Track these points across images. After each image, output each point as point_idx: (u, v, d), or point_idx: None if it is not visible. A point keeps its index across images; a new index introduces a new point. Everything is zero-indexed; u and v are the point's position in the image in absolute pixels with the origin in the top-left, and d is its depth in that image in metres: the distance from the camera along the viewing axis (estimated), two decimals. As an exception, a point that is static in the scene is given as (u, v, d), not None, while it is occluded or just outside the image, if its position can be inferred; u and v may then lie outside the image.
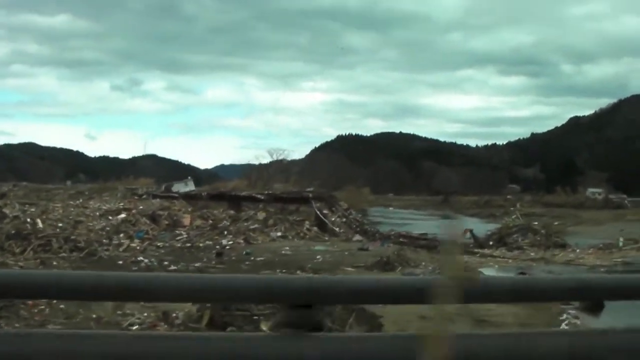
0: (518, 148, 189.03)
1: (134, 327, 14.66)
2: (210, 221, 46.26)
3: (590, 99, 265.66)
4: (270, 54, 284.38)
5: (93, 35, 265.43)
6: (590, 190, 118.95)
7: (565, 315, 18.53)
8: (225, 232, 41.77)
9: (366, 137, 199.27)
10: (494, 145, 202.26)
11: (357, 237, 44.32)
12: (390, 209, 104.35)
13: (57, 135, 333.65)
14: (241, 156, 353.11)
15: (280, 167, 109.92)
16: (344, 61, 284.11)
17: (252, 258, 31.39)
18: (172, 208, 48.84)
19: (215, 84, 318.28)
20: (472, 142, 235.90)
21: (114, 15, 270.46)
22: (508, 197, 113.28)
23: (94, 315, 15.11)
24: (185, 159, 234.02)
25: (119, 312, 15.68)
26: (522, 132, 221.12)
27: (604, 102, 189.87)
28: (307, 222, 47.32)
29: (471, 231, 46.90)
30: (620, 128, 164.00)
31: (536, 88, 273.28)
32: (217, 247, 35.86)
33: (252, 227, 44.35)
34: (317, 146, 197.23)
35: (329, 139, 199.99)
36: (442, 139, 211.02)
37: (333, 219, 48.80)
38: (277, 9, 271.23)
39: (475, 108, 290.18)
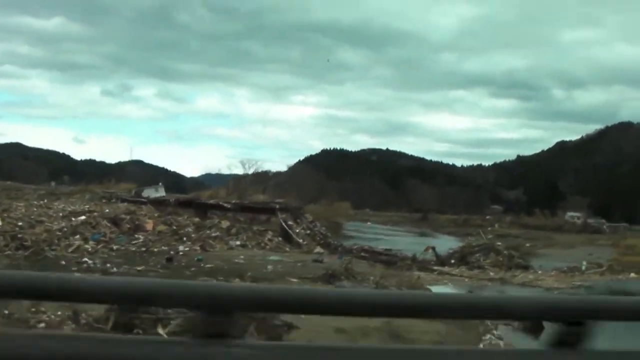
0: (503, 169, 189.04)
1: (40, 325, 14.41)
2: (174, 227, 45.92)
3: (579, 124, 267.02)
4: (262, 66, 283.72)
5: (86, 40, 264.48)
6: (569, 214, 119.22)
7: (488, 336, 18.27)
8: (185, 239, 41.49)
9: (351, 152, 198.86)
10: (480, 166, 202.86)
11: (318, 249, 44.01)
12: (369, 223, 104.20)
13: (46, 138, 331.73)
14: (229, 166, 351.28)
15: (259, 178, 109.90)
16: (335, 77, 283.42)
17: (202, 265, 31.21)
18: (137, 212, 48.43)
19: (205, 94, 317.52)
20: (459, 162, 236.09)
21: (108, 21, 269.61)
22: (487, 217, 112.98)
23: (6, 311, 14.78)
24: (172, 166, 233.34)
25: (32, 309, 15.35)
26: (510, 154, 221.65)
27: (593, 128, 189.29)
28: (270, 233, 47.14)
29: (433, 249, 46.90)
30: (606, 154, 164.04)
31: (526, 111, 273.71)
32: (171, 252, 35.51)
33: (213, 235, 44.17)
34: (301, 159, 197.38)
35: (314, 152, 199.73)
36: (428, 158, 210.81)
37: (297, 231, 48.48)
38: (271, 22, 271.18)
39: (465, 129, 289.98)
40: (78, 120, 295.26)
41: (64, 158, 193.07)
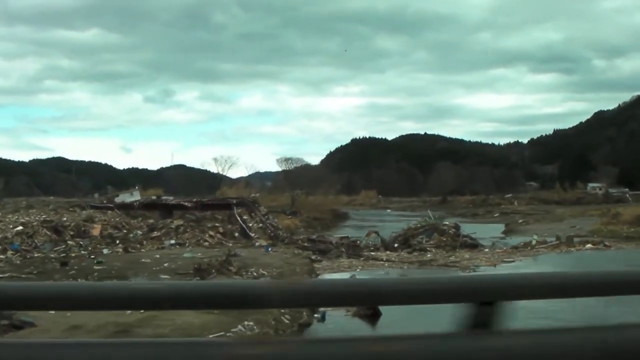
0: (540, 145, 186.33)
1: None
2: (125, 231, 45.75)
3: (623, 93, 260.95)
4: (302, 60, 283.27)
5: (124, 48, 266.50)
6: (591, 185, 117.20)
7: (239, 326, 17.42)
8: (118, 242, 41.26)
9: (381, 139, 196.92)
10: (517, 142, 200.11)
11: (260, 242, 43.36)
12: (388, 211, 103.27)
13: (92, 149, 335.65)
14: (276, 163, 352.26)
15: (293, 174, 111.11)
16: (375, 65, 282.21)
17: (100, 267, 30.87)
18: (98, 218, 48.45)
19: (248, 92, 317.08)
20: (503, 141, 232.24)
21: (144, 28, 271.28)
22: (507, 195, 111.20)
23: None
24: (215, 169, 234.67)
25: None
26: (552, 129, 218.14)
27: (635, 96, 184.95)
28: (220, 229, 46.71)
29: (377, 233, 46.08)
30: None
31: (569, 84, 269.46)
32: (92, 257, 35.25)
33: (154, 235, 43.98)
34: (331, 150, 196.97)
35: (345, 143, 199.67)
36: (470, 139, 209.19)
37: (251, 225, 47.98)
38: (306, 14, 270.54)
39: (508, 107, 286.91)
40: (123, 129, 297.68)
41: (107, 168, 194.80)
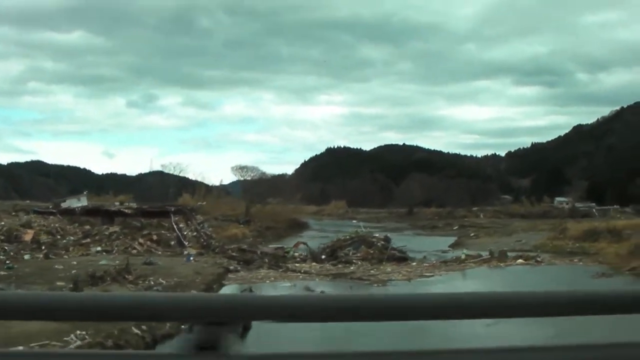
0: (517, 158, 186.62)
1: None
2: (59, 236, 45.54)
3: (605, 107, 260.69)
4: (285, 68, 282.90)
5: (108, 52, 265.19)
6: (558, 199, 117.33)
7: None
8: (43, 247, 41.07)
9: (356, 149, 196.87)
10: (494, 155, 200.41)
11: (189, 251, 43.13)
12: (354, 222, 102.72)
13: (73, 153, 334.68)
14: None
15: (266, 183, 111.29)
16: (359, 74, 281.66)
17: (5, 273, 30.70)
18: (37, 223, 48.31)
19: (231, 99, 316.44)
20: (483, 153, 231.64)
21: (128, 32, 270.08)
22: (473, 209, 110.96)
23: None
24: (195, 175, 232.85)
25: None
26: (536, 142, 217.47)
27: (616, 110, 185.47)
28: (154, 236, 46.52)
29: (305, 244, 45.91)
30: (619, 135, 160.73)
31: (552, 97, 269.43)
32: (8, 262, 34.98)
33: (83, 241, 43.85)
34: (306, 159, 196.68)
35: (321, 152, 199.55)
36: (448, 151, 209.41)
37: (186, 233, 47.76)
38: (291, 22, 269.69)
39: (490, 119, 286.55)
40: (106, 134, 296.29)
41: (85, 173, 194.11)
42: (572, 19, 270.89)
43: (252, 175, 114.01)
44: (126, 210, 52.20)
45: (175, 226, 48.11)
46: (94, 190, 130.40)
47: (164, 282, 29.21)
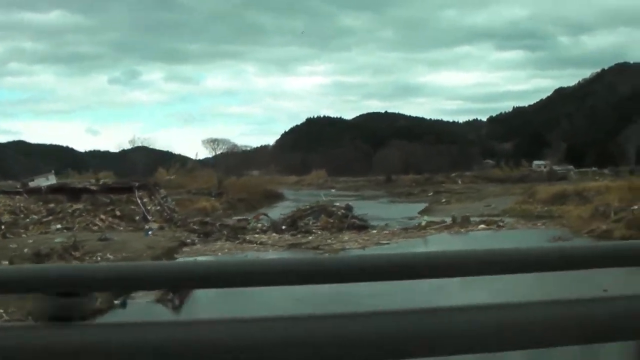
0: (499, 123, 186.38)
1: None
2: (22, 215, 45.45)
3: (587, 70, 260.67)
4: (267, 40, 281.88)
5: (88, 30, 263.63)
6: (536, 163, 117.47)
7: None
8: (2, 227, 40.98)
9: (336, 118, 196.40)
10: (476, 120, 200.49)
11: (151, 225, 43.09)
12: (332, 191, 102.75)
13: (58, 132, 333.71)
14: (242, 143, 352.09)
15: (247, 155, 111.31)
16: (340, 43, 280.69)
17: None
18: (2, 203, 48.24)
19: (214, 73, 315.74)
20: (467, 119, 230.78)
21: (108, 8, 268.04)
22: (452, 174, 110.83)
23: None
24: (178, 150, 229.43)
25: None
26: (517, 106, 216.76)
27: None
28: (117, 212, 46.47)
29: (266, 215, 45.92)
30: (601, 97, 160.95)
31: (534, 61, 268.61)
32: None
33: (44, 220, 43.79)
34: (286, 130, 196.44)
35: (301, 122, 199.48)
36: (431, 117, 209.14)
37: (149, 208, 47.68)
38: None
39: (473, 84, 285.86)
40: (89, 112, 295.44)
41: (68, 151, 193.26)
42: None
43: (224, 148, 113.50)
44: (91, 187, 52.00)
45: (139, 201, 47.97)
46: (78, 168, 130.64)
47: (111, 257, 29.21)
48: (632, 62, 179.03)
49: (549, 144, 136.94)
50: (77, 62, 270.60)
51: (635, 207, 38.86)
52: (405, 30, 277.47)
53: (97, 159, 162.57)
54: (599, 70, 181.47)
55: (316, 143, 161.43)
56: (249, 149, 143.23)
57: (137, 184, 50.82)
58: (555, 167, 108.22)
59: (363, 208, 53.78)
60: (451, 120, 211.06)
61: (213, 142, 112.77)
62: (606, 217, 40.11)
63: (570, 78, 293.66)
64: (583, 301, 3.51)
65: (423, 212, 57.94)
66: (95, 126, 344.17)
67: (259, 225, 44.26)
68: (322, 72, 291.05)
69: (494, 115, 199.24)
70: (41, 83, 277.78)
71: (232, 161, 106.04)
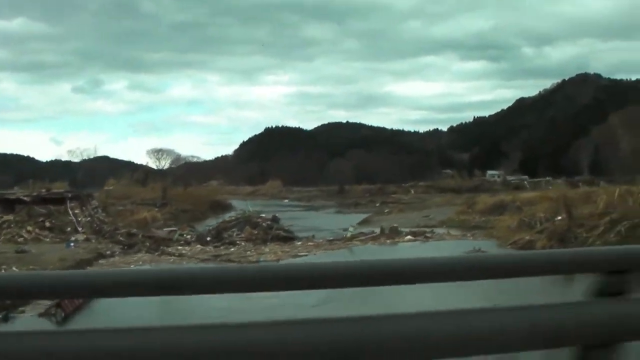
0: (459, 133, 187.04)
1: None
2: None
3: (550, 80, 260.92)
4: (231, 49, 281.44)
5: (51, 38, 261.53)
6: (490, 172, 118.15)
7: None
8: None
9: (296, 128, 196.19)
10: (437, 130, 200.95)
11: (78, 237, 42.85)
12: (286, 201, 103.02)
13: (21, 141, 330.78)
14: (205, 153, 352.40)
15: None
16: (304, 53, 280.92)
17: None
18: None
19: (177, 82, 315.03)
20: (427, 128, 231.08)
21: (71, 17, 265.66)
22: (404, 184, 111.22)
23: None
24: (140, 160, 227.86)
25: None
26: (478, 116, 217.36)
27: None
28: (47, 223, 46.15)
29: (192, 226, 45.89)
30: (560, 108, 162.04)
31: (498, 72, 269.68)
32: None
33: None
34: (244, 140, 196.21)
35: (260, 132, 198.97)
36: (393, 127, 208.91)
37: (80, 219, 47.37)
38: (236, 3, 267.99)
39: (437, 95, 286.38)
40: (54, 121, 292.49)
41: (29, 161, 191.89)
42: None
43: (168, 158, 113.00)
44: (24, 198, 51.51)
45: (70, 212, 47.68)
46: (40, 177, 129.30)
47: (16, 270, 28.91)
48: (592, 72, 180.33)
49: (507, 154, 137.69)
50: (41, 70, 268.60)
51: (559, 218, 38.98)
52: (369, 40, 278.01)
53: (59, 169, 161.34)
54: (559, 80, 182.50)
55: (274, 153, 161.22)
56: (196, 159, 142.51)
57: (69, 195, 50.47)
58: (510, 177, 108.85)
59: (308, 219, 54.04)
60: (412, 130, 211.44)
61: (157, 152, 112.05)
62: (531, 228, 40.26)
63: (533, 89, 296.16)
64: (531, 308, 3.70)
65: (362, 223, 57.85)
66: (59, 136, 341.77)
67: (187, 237, 44.00)
68: (286, 82, 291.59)
69: (454, 125, 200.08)
70: (3, 91, 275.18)
71: (183, 172, 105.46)
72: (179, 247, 39.95)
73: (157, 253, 37.25)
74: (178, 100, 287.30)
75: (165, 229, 48.47)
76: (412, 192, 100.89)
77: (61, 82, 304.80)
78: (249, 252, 37.49)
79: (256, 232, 42.86)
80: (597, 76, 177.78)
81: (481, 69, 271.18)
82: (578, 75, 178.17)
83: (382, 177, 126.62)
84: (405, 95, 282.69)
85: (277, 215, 50.41)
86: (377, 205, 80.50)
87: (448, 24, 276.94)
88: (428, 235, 43.47)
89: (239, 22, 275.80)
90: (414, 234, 43.99)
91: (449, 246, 39.10)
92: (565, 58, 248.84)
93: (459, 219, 54.53)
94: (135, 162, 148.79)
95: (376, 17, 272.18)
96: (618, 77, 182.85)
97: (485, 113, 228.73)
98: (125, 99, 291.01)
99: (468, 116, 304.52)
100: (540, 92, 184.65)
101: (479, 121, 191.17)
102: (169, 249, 38.80)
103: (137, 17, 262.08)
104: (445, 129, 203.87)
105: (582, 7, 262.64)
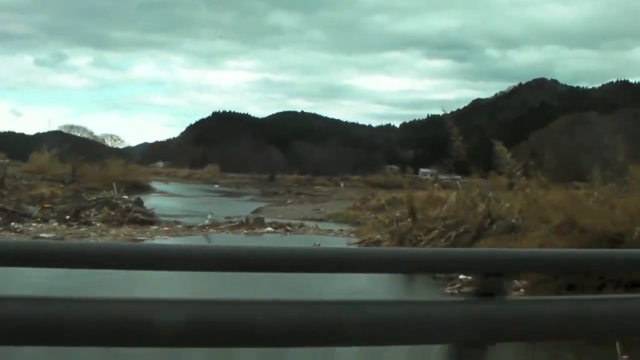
0: (411, 129, 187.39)
1: None
2: None
3: (512, 83, 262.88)
4: (195, 32, 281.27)
5: (17, 9, 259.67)
6: (422, 170, 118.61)
7: None
8: None
9: (244, 115, 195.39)
10: (389, 126, 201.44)
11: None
12: (216, 186, 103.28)
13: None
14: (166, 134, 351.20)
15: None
16: (269, 41, 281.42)
17: None
18: None
19: (141, 61, 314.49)
20: (384, 123, 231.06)
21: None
22: (334, 178, 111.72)
23: None
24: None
25: None
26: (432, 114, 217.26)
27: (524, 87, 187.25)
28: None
29: (51, 205, 45.69)
30: (513, 111, 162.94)
31: (462, 72, 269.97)
32: None
33: None
34: (192, 123, 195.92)
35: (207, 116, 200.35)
36: (349, 120, 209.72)
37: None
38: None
39: (400, 91, 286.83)
40: (14, 92, 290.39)
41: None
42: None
43: (81, 134, 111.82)
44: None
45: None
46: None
47: None
48: (549, 78, 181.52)
49: (449, 154, 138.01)
50: (3, 40, 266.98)
51: (408, 219, 39.28)
52: (335, 32, 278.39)
53: (11, 141, 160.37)
54: (516, 84, 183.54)
55: (219, 138, 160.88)
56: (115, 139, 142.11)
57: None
58: (442, 177, 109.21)
59: (212, 204, 54.53)
60: (367, 125, 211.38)
61: (70, 128, 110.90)
62: (385, 227, 40.67)
63: (494, 91, 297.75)
64: (417, 303, 3.86)
65: (256, 212, 58.10)
66: (20, 107, 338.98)
67: (51, 214, 43.93)
68: (249, 68, 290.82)
69: (407, 121, 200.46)
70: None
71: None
72: (34, 224, 39.96)
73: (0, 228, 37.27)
74: (140, 79, 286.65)
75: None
76: (342, 185, 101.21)
77: (24, 53, 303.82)
78: (92, 233, 37.63)
79: (113, 213, 42.98)
80: (554, 82, 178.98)
81: (446, 67, 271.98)
82: (535, 80, 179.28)
83: (325, 168, 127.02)
84: (368, 89, 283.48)
85: (141, 197, 50.70)
86: (293, 195, 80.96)
87: (415, 21, 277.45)
88: (288, 228, 43.63)
89: (206, 5, 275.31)
90: (277, 225, 44.24)
91: (303, 240, 39.41)
92: (529, 62, 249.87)
93: (347, 214, 54.91)
94: (89, 138, 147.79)
95: (343, 8, 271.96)
96: (580, 84, 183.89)
97: (447, 111, 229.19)
98: (88, 75, 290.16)
99: (426, 113, 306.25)
100: (496, 94, 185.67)
101: (432, 119, 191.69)
102: (17, 225, 38.80)
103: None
104: (397, 124, 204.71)
105: (548, 14, 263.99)
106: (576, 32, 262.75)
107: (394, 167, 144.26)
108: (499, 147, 36.37)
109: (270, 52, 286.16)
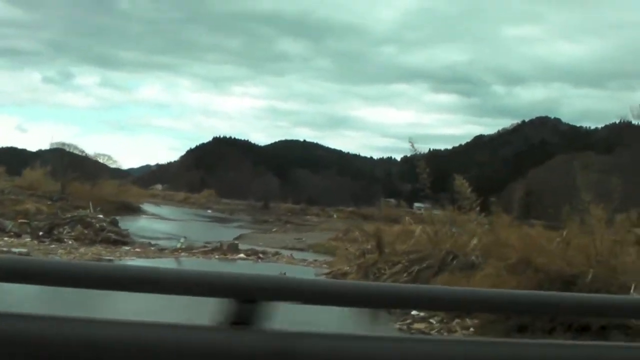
0: (411, 163, 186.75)
1: None
2: None
3: (517, 120, 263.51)
4: (203, 56, 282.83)
5: (26, 25, 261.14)
6: (416, 205, 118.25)
7: None
8: None
9: (244, 141, 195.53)
10: (389, 159, 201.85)
11: None
12: (209, 211, 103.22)
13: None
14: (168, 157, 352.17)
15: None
16: (276, 68, 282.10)
17: None
18: None
19: (147, 82, 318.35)
20: (386, 156, 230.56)
21: (48, 6, 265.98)
22: (327, 208, 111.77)
23: None
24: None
25: None
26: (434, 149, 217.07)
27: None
28: None
29: (29, 223, 45.53)
30: (514, 147, 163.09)
31: (468, 107, 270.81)
32: None
33: None
34: (192, 147, 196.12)
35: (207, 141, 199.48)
36: (348, 151, 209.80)
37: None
38: (212, 10, 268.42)
39: (405, 124, 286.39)
40: (21, 108, 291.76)
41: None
42: (492, 30, 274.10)
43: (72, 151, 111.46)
44: None
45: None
46: None
47: None
48: (552, 117, 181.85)
49: (447, 189, 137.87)
50: (12, 56, 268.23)
51: (375, 254, 38.88)
52: (342, 61, 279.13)
53: (13, 157, 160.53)
54: (519, 121, 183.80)
55: (218, 163, 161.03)
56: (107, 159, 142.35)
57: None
58: (435, 212, 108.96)
59: (197, 230, 54.40)
60: (368, 156, 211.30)
61: (62, 145, 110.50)
62: (356, 259, 40.41)
63: (498, 127, 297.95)
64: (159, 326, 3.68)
65: (238, 238, 58.01)
66: (25, 124, 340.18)
67: (26, 229, 43.87)
68: (255, 94, 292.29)
69: (407, 155, 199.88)
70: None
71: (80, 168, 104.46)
72: (6, 238, 39.96)
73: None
74: (147, 101, 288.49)
75: (20, 221, 48.18)
76: (335, 216, 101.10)
77: (32, 70, 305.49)
78: (60, 250, 37.54)
79: (86, 232, 42.91)
80: (557, 120, 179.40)
81: (452, 102, 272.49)
82: (538, 118, 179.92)
83: (323, 198, 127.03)
84: (372, 120, 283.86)
85: (116, 218, 50.46)
86: (282, 223, 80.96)
87: (423, 53, 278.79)
88: (261, 256, 43.45)
89: (214, 30, 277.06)
90: (251, 252, 44.10)
91: (272, 268, 39.00)
92: (534, 100, 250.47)
93: (328, 244, 54.59)
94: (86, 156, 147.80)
95: (351, 38, 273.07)
96: (584, 124, 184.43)
97: (449, 146, 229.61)
98: (94, 94, 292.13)
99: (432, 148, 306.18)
100: (499, 130, 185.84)
101: (432, 154, 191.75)
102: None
103: (112, 12, 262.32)
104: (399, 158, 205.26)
105: (556, 51, 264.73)
106: (583, 71, 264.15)
107: (392, 200, 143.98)
108: (459, 181, 35.53)
109: (276, 79, 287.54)
